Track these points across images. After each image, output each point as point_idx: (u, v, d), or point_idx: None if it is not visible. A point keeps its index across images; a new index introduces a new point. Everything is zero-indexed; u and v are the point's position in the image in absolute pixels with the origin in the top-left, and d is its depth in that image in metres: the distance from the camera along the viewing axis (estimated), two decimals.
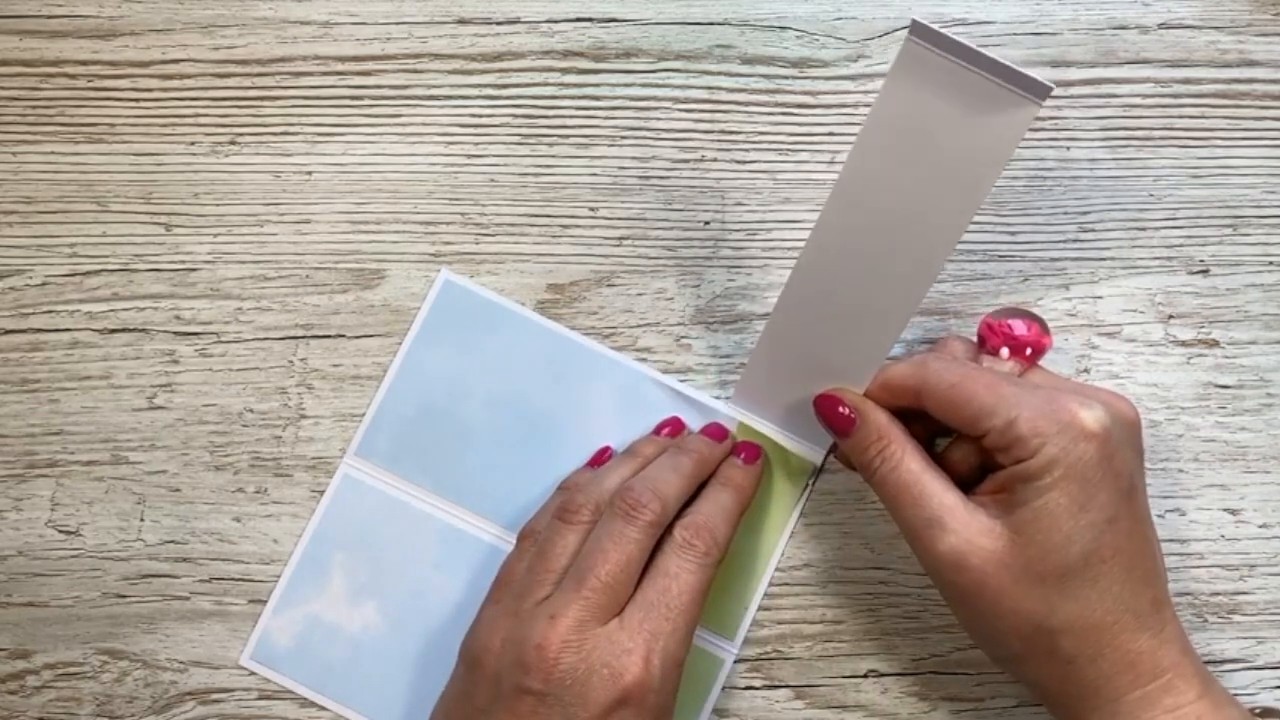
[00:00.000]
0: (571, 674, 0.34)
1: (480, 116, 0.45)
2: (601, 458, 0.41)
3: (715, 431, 0.41)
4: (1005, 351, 0.38)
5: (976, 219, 0.44)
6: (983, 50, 0.32)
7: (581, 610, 0.35)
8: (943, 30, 0.32)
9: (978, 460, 0.37)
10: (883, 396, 0.38)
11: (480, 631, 0.36)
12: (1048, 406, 0.34)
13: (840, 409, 0.38)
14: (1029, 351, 0.38)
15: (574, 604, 0.35)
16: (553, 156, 0.45)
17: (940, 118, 0.33)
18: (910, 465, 0.36)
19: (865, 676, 0.41)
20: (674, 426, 0.42)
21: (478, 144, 0.45)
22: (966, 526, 0.35)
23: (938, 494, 0.36)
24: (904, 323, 0.37)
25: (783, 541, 0.42)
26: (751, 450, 0.41)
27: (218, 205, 0.44)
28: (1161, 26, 0.46)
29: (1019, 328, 0.39)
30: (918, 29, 0.32)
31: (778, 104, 0.45)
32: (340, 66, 0.45)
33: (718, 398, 0.42)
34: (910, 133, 0.33)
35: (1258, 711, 0.41)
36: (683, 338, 0.43)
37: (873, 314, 0.37)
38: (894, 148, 0.34)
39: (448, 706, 0.37)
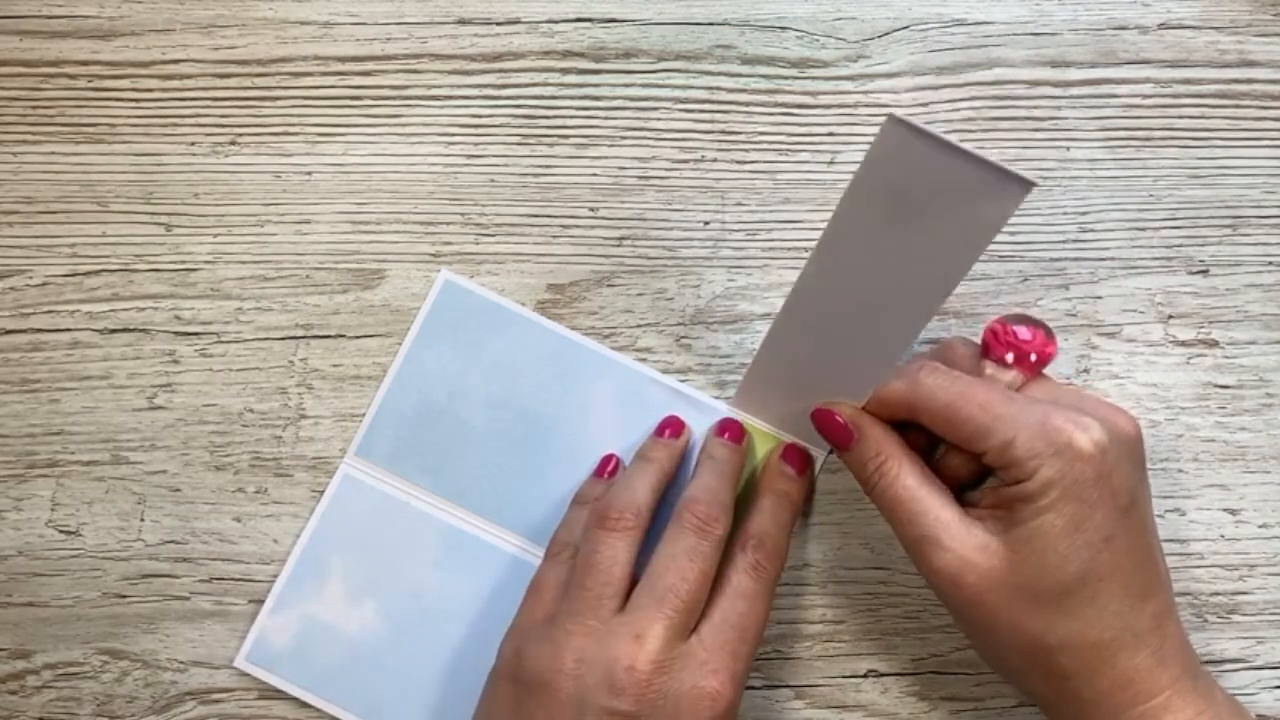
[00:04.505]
0: (664, 694, 0.34)
1: (480, 116, 0.45)
2: (606, 467, 0.41)
3: (734, 431, 0.41)
4: (1010, 358, 0.38)
5: None
6: (963, 145, 0.30)
7: (667, 629, 0.35)
8: (924, 126, 0.30)
9: (977, 465, 0.37)
10: (880, 412, 0.38)
11: (540, 651, 0.35)
12: (1043, 427, 0.34)
13: (838, 424, 0.38)
14: (1033, 359, 0.38)
15: (658, 622, 0.35)
16: (553, 156, 0.45)
17: (921, 198, 0.32)
18: (907, 481, 0.36)
19: (865, 676, 0.41)
20: (675, 427, 0.42)
21: (478, 144, 0.45)
22: (963, 544, 0.35)
23: (934, 509, 0.36)
24: (907, 346, 0.36)
25: None
26: (802, 459, 0.41)
27: (218, 205, 0.44)
28: (1161, 27, 0.46)
29: (1024, 334, 0.38)
30: (894, 123, 0.30)
31: (778, 104, 0.45)
32: (340, 66, 0.45)
33: (718, 398, 0.42)
34: (889, 208, 0.32)
35: None
36: (683, 338, 0.43)
37: (872, 337, 0.36)
38: (873, 221, 0.33)
39: None
